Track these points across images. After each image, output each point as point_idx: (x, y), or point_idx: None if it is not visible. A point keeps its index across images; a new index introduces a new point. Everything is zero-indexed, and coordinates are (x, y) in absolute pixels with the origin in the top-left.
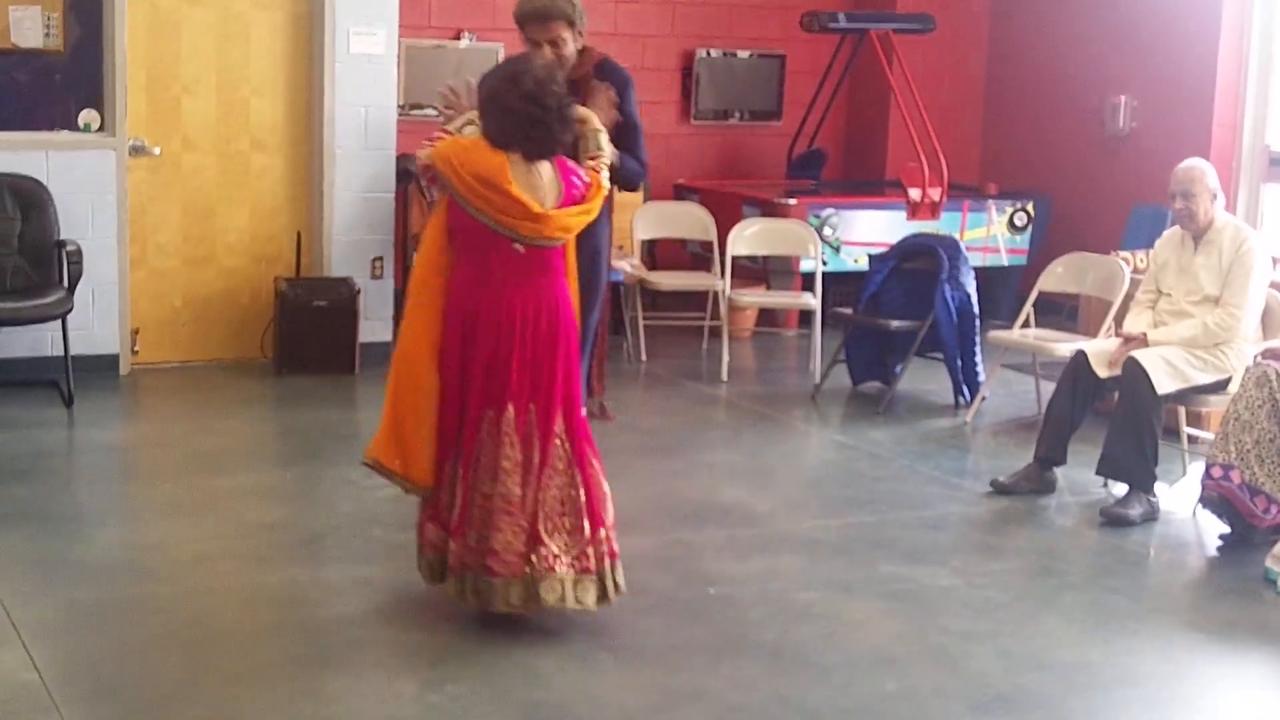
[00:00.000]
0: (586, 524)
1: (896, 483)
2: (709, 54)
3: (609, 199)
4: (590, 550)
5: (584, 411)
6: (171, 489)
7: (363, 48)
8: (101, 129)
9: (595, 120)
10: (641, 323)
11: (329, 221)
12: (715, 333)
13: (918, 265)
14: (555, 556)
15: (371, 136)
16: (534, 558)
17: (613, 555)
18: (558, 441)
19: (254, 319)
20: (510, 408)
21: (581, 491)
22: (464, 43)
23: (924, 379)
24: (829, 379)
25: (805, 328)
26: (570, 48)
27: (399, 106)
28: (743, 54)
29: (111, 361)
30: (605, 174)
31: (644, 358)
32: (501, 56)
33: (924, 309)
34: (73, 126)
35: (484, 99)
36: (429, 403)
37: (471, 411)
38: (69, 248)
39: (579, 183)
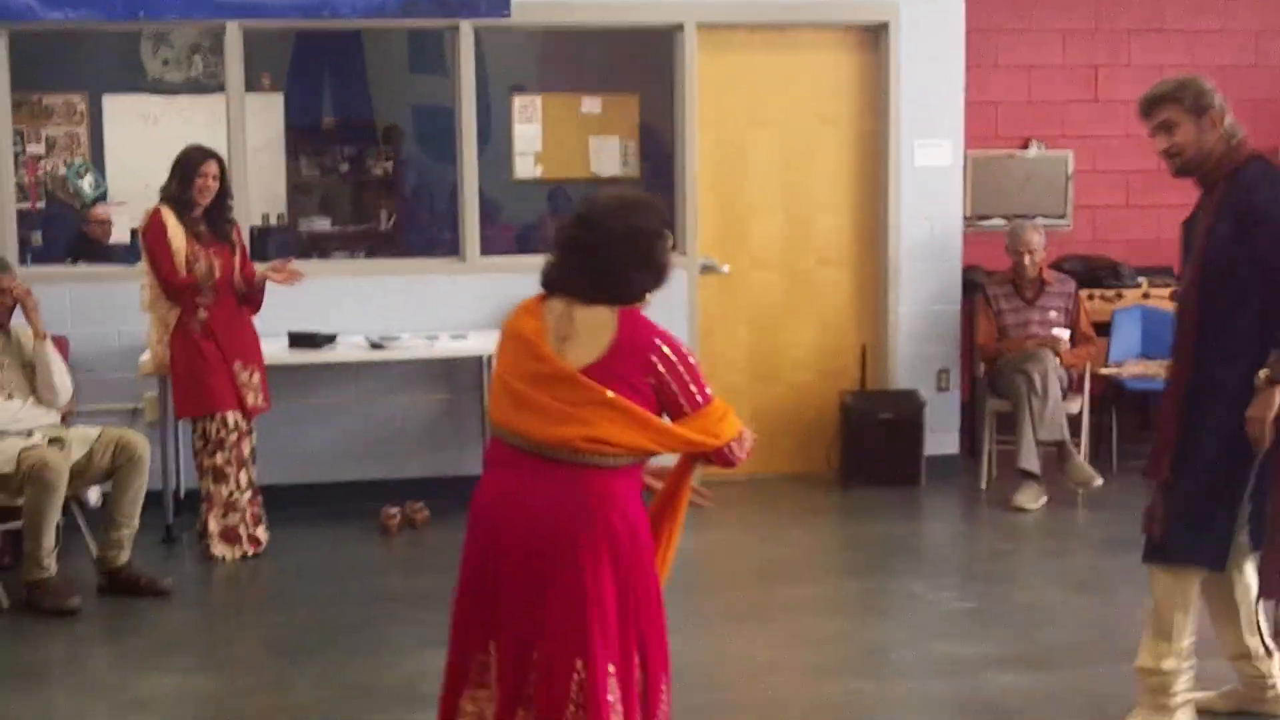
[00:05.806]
0: None
1: None
2: None
3: None
4: None
5: None
6: (741, 597)
7: (928, 160)
8: (674, 249)
9: None
10: None
11: (894, 335)
12: None
13: None
14: None
15: (937, 249)
16: None
17: None
18: None
19: (819, 432)
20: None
21: None
22: (1032, 151)
23: None
24: None
25: None
26: (1186, 134)
27: (965, 218)
28: None
29: None
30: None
31: None
32: (1071, 165)
33: None
34: None
35: None
36: None
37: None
38: None
39: (670, 354)
